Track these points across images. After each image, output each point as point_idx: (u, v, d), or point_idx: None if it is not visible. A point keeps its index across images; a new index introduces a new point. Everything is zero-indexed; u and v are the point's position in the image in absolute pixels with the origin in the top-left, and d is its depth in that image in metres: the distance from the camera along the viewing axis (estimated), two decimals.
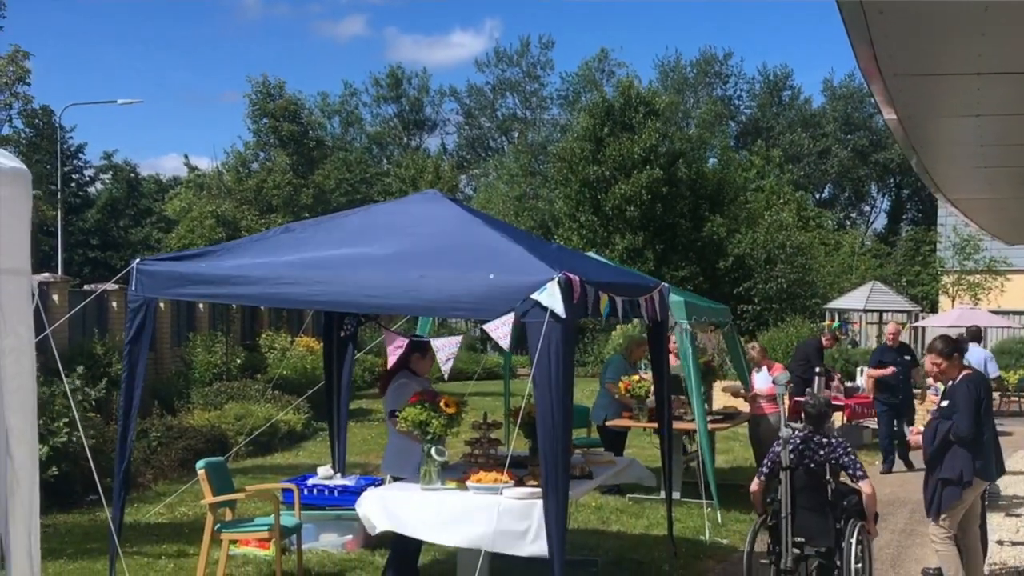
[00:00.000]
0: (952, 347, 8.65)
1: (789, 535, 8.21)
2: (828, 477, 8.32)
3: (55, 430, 10.99)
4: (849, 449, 8.40)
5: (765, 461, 8.56)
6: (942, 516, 8.40)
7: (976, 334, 17.92)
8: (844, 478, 8.51)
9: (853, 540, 8.18)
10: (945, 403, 8.56)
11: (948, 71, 6.72)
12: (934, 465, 8.44)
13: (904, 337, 31.46)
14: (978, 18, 5.47)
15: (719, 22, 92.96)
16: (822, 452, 8.29)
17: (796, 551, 8.25)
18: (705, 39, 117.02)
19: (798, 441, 8.35)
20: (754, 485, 8.55)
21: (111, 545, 7.70)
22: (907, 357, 15.57)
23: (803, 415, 8.65)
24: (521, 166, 55.12)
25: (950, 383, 8.62)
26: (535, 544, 7.13)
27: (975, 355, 17.62)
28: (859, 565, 8.18)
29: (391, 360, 7.98)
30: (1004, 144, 9.35)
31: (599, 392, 13.64)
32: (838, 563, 8.28)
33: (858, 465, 8.30)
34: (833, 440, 8.42)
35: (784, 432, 8.37)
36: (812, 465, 8.30)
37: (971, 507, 8.63)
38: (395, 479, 8.34)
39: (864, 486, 8.29)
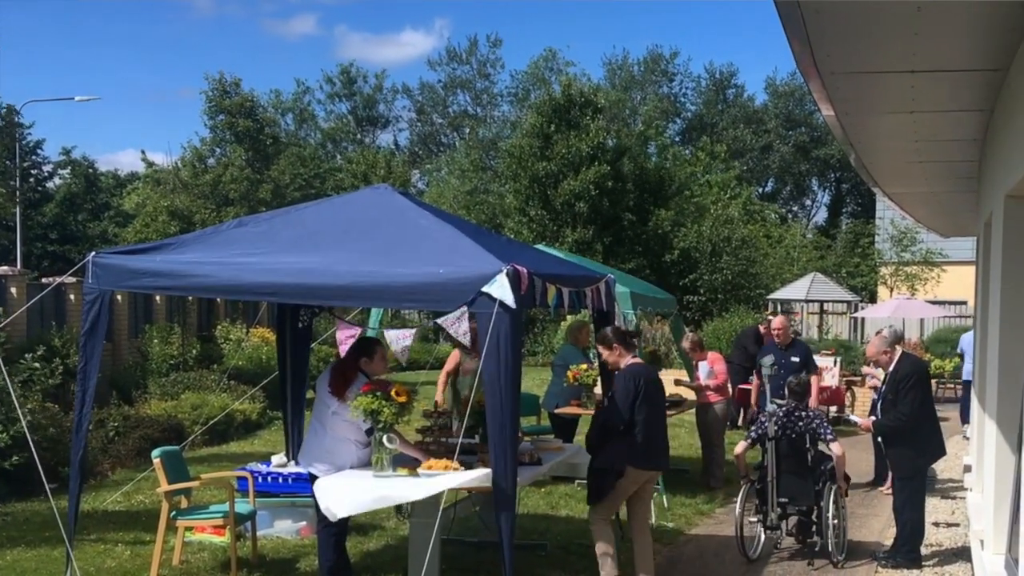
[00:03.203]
0: (617, 337, 8.56)
1: (774, 496, 9.66)
2: (808, 445, 9.64)
3: (12, 419, 11.02)
4: (823, 419, 9.76)
5: (752, 430, 9.95)
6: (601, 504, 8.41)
7: None
8: (822, 447, 9.78)
9: (830, 501, 9.55)
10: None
11: (883, 69, 6.88)
12: (594, 453, 8.43)
13: (841, 328, 32.16)
14: (911, 18, 5.63)
15: (666, 22, 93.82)
16: (801, 424, 9.62)
17: (780, 510, 9.74)
18: (652, 38, 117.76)
19: (781, 414, 9.68)
20: (739, 448, 10.01)
21: (68, 532, 7.79)
22: (795, 359, 13.16)
23: (787, 391, 9.99)
24: (472, 162, 55.33)
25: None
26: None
27: (965, 337, 18.29)
28: (835, 521, 9.67)
29: (342, 350, 7.96)
30: (938, 140, 9.60)
31: (551, 380, 13.84)
32: (815, 519, 9.71)
33: (830, 430, 9.66)
34: (811, 412, 9.78)
35: (770, 407, 9.83)
36: (794, 435, 9.64)
37: (638, 493, 8.54)
38: (311, 476, 8.29)
39: (835, 448, 9.64)
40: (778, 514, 9.79)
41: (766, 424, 9.79)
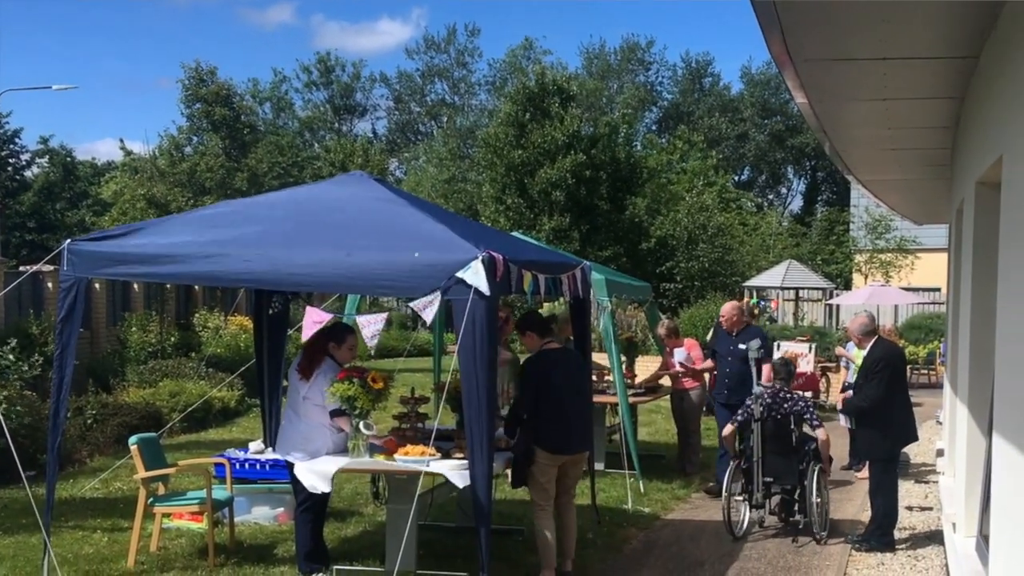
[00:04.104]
0: (532, 323, 8.58)
1: (759, 475, 10.00)
2: (792, 427, 10.00)
3: None
4: (809, 403, 10.16)
5: (739, 412, 10.27)
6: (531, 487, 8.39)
7: None
8: (806, 428, 10.16)
9: (813, 479, 9.91)
10: None
11: (855, 56, 6.94)
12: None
13: (816, 315, 32.36)
14: (882, 6, 5.70)
15: (642, 11, 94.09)
16: (787, 405, 9.98)
17: (764, 489, 10.10)
18: (629, 27, 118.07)
19: (767, 397, 10.00)
20: (726, 430, 10.51)
21: (44, 518, 7.80)
22: (742, 346, 11.81)
23: (773, 373, 10.43)
24: (450, 150, 55.39)
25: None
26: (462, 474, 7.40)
27: None
28: (817, 499, 10.06)
29: (306, 334, 7.94)
30: (910, 127, 9.67)
31: None
32: (798, 498, 10.06)
33: (815, 415, 10.07)
34: (796, 395, 10.14)
35: (757, 389, 10.09)
36: (779, 416, 9.98)
37: (563, 477, 8.47)
38: (288, 464, 8.39)
39: (820, 433, 10.04)
40: (763, 493, 10.11)
41: (751, 406, 10.06)
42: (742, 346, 11.84)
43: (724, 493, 10.04)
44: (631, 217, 37.80)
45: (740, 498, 10.26)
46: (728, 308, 12.76)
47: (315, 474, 7.87)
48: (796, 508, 10.15)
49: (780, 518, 10.40)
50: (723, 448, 11.46)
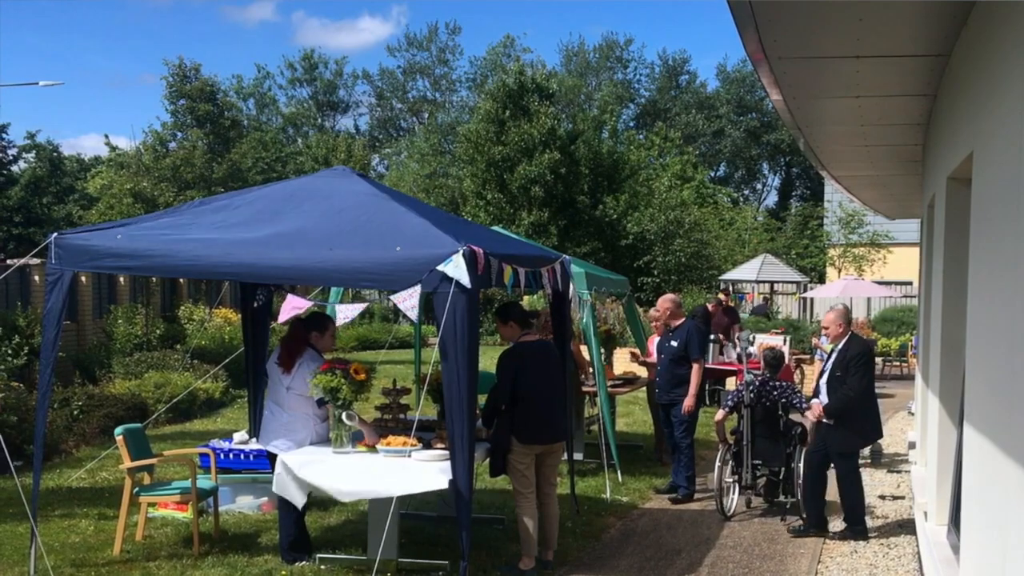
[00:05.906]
0: (514, 314, 8.66)
1: (749, 458, 10.49)
2: (780, 412, 10.45)
3: None
4: (797, 391, 10.61)
5: (728, 398, 10.76)
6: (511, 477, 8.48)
7: None
8: (795, 415, 10.55)
9: (800, 463, 10.36)
10: None
11: (829, 54, 7.05)
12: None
13: (791, 308, 32.57)
14: (855, 4, 5.80)
15: (621, 8, 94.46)
16: (775, 393, 10.42)
17: (753, 471, 10.55)
18: (607, 25, 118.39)
19: (757, 384, 10.46)
20: (719, 415, 10.84)
21: (31, 507, 7.88)
22: (674, 343, 11.48)
23: (763, 363, 10.88)
24: (431, 146, 55.54)
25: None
26: (441, 479, 7.51)
27: None
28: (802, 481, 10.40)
29: (282, 317, 8.01)
30: (882, 124, 9.79)
31: None
32: (784, 480, 10.53)
33: (803, 401, 10.44)
34: (784, 383, 10.57)
35: (747, 376, 10.58)
36: (767, 403, 10.43)
37: (541, 467, 8.55)
38: (270, 456, 8.52)
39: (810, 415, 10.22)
40: (751, 475, 10.56)
41: (742, 392, 10.50)
42: (673, 343, 11.51)
43: (715, 475, 10.49)
44: (603, 216, 38.03)
45: (730, 479, 10.68)
46: (660, 302, 12.14)
47: (294, 488, 7.98)
48: (782, 490, 10.60)
49: (766, 499, 10.82)
50: (678, 453, 11.60)
